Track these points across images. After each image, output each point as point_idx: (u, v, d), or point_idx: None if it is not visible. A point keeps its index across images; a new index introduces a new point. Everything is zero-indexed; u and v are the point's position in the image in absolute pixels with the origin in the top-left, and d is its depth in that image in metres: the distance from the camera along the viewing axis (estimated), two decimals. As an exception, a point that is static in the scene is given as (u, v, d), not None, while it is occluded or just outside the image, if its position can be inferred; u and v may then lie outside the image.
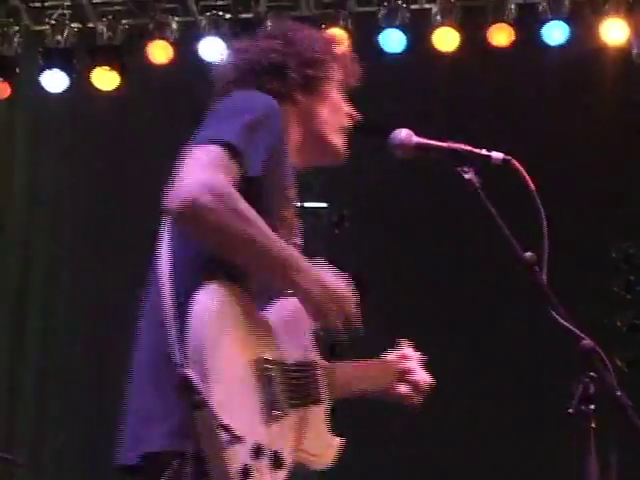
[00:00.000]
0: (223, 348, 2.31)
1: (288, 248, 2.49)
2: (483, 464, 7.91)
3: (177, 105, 10.27)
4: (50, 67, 7.94)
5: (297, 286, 2.48)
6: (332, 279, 2.53)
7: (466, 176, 2.77)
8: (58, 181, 8.93)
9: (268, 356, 2.45)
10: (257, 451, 2.30)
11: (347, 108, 2.97)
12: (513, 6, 7.66)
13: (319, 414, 2.69)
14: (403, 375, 3.21)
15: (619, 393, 2.55)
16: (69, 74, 7.97)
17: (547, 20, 7.58)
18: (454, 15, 7.65)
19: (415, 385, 3.21)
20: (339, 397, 2.86)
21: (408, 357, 3.25)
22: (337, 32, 7.10)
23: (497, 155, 2.82)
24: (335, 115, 2.90)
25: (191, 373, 2.20)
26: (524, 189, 2.72)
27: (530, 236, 2.66)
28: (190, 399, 2.18)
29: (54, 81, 8.00)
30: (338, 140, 2.90)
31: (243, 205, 2.37)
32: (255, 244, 2.39)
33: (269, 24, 7.31)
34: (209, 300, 2.32)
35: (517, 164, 2.79)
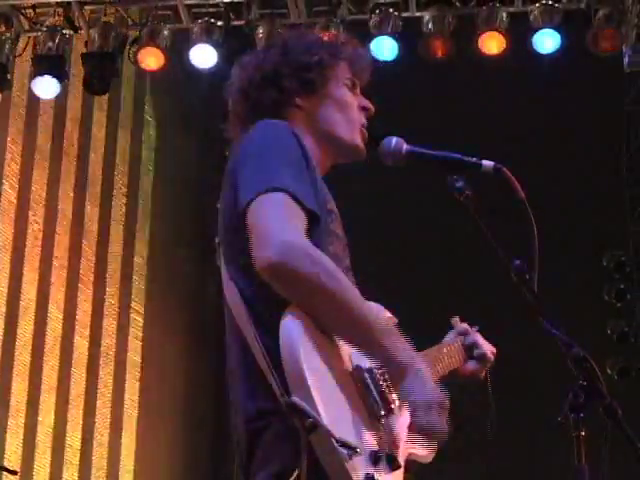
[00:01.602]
0: (318, 367, 2.35)
1: (372, 310, 2.52)
2: (475, 470, 7.91)
3: (168, 110, 10.29)
4: (42, 73, 7.93)
5: (383, 353, 2.47)
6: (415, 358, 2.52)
7: (457, 184, 2.76)
8: (49, 184, 8.93)
9: (359, 364, 2.48)
10: (374, 457, 2.35)
11: (361, 102, 2.95)
12: (504, 14, 7.67)
13: None
14: (469, 351, 3.20)
15: (609, 401, 2.55)
16: (60, 80, 7.96)
17: (538, 29, 7.60)
18: (446, 23, 7.66)
19: (482, 358, 3.20)
20: None
21: (468, 332, 3.25)
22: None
23: (488, 163, 2.81)
24: (344, 112, 2.89)
25: (297, 399, 2.23)
26: (515, 197, 2.72)
27: (521, 244, 2.66)
28: (302, 424, 2.21)
29: (45, 87, 7.99)
30: (351, 135, 2.89)
31: (329, 263, 2.41)
32: (344, 309, 2.42)
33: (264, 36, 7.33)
34: (294, 326, 2.36)
35: (508, 172, 2.79)
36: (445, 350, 3.11)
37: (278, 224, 2.40)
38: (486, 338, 3.28)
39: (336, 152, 2.88)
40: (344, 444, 2.25)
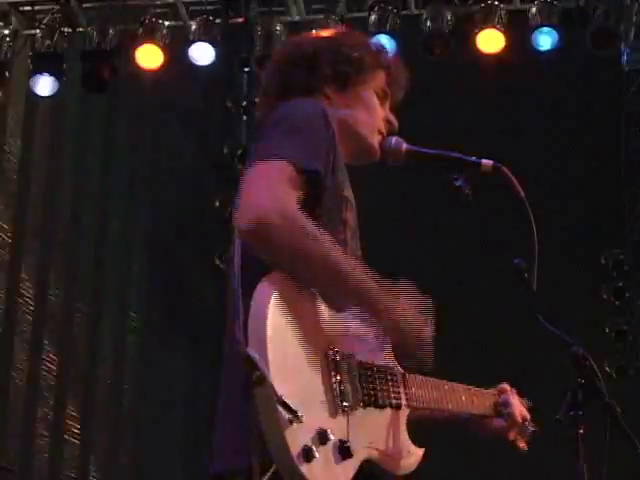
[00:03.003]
0: (286, 334, 2.34)
1: (361, 270, 2.49)
2: (473, 470, 7.91)
3: (166, 109, 10.28)
4: (40, 71, 7.92)
5: (375, 313, 2.49)
6: (409, 308, 2.53)
7: (456, 183, 2.77)
8: (48, 183, 8.92)
9: (338, 348, 2.45)
10: (321, 436, 2.30)
11: (387, 115, 2.96)
12: (503, 12, 7.66)
13: (399, 419, 2.65)
14: (500, 408, 3.17)
15: (608, 399, 2.55)
16: (59, 78, 7.95)
17: (537, 26, 7.59)
18: (444, 21, 7.66)
19: (509, 417, 3.17)
20: (426, 411, 2.82)
21: (506, 391, 3.22)
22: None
23: (487, 162, 2.82)
24: (368, 114, 2.89)
25: (251, 351, 2.23)
26: (514, 196, 2.72)
27: (520, 242, 2.66)
28: (251, 376, 2.20)
29: (44, 85, 7.98)
30: (370, 136, 2.89)
31: (312, 227, 2.40)
32: (326, 267, 2.42)
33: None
34: (272, 286, 2.35)
35: (507, 171, 2.79)
36: (466, 392, 3.07)
37: (266, 189, 2.40)
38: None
39: (352, 147, 2.87)
40: (286, 405, 2.21)
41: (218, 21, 7.94)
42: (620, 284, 9.97)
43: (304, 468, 2.24)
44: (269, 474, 2.25)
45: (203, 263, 9.93)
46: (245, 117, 9.25)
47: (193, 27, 7.93)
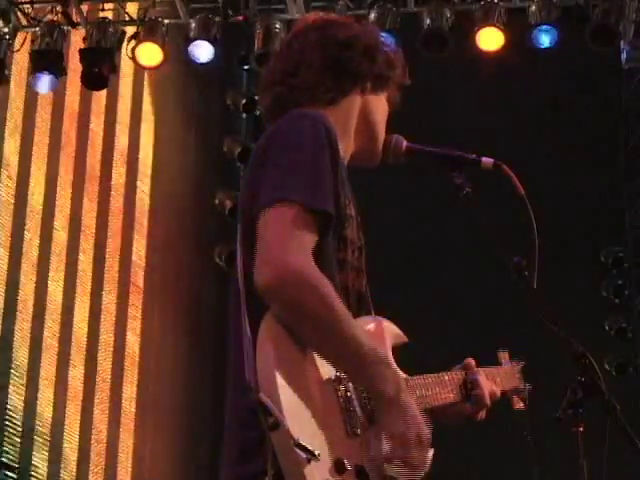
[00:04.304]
0: (293, 369, 2.34)
1: (374, 352, 2.42)
2: (472, 467, 7.91)
3: (165, 106, 10.30)
4: (39, 69, 7.93)
5: (377, 393, 2.41)
6: (417, 413, 2.41)
7: (456, 181, 2.76)
8: (47, 180, 8.93)
9: (342, 374, 2.44)
10: (338, 466, 2.31)
11: None
12: (503, 10, 7.67)
13: None
14: (467, 390, 2.91)
15: (607, 397, 2.56)
16: (58, 76, 7.96)
17: (536, 24, 7.60)
18: (444, 19, 7.67)
19: (477, 400, 2.91)
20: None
21: (471, 367, 2.98)
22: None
23: (487, 160, 2.81)
24: (383, 126, 2.88)
25: (263, 396, 2.24)
26: (514, 193, 2.73)
27: (521, 240, 2.66)
28: (265, 421, 2.22)
29: (43, 83, 7.99)
30: (381, 142, 2.90)
31: (325, 289, 2.36)
32: (337, 339, 2.38)
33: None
34: (276, 321, 2.35)
35: (507, 169, 2.79)
36: (433, 380, 2.87)
37: (280, 243, 2.36)
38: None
39: (364, 149, 2.85)
40: (302, 447, 2.23)
41: (218, 19, 7.94)
42: (620, 282, 9.98)
43: None
44: None
45: (204, 260, 9.94)
46: (245, 115, 9.26)
47: (193, 25, 7.94)
